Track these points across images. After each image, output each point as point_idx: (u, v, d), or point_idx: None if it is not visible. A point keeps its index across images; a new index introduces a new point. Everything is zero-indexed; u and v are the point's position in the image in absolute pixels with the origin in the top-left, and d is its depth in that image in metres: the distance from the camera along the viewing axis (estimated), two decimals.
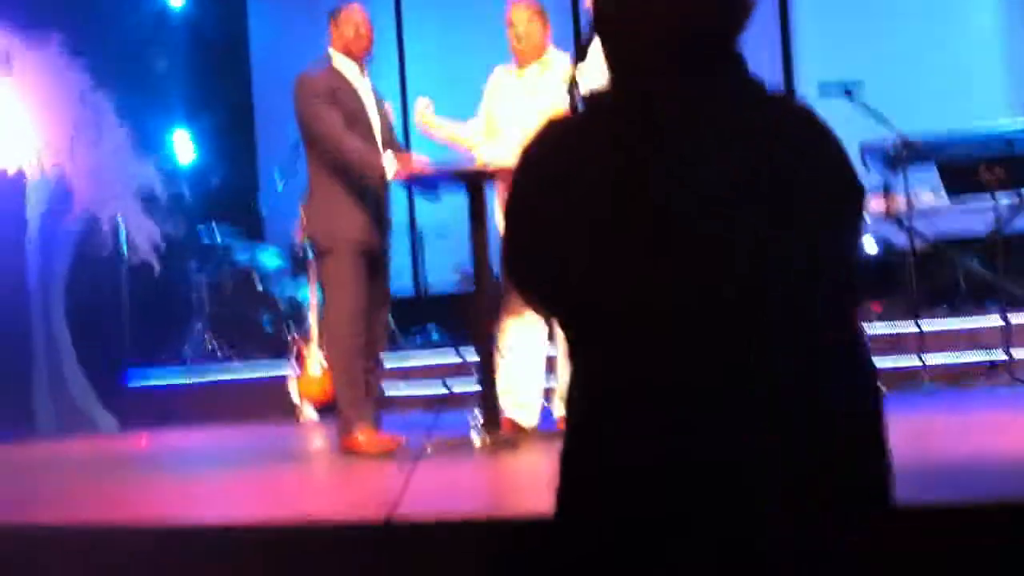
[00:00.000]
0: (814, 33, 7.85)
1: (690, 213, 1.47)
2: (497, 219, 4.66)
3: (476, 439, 4.36)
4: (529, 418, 4.70)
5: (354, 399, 4.55)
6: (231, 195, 8.75)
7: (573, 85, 1.70)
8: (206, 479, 4.63)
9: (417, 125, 4.59)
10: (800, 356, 1.47)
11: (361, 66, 4.68)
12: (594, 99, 1.61)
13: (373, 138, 4.61)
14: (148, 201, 8.57)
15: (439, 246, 7.82)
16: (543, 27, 4.68)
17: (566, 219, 1.51)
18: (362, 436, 4.49)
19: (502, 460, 4.29)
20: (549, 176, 1.55)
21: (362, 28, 4.64)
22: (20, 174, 8.18)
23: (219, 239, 8.14)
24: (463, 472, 4.13)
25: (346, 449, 4.55)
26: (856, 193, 1.56)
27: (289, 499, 3.86)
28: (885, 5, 7.51)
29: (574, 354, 1.59)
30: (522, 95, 4.66)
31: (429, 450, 4.28)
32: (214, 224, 8.24)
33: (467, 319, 5.31)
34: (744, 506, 1.45)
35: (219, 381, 7.25)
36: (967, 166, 5.32)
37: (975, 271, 6.10)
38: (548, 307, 1.69)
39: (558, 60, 4.66)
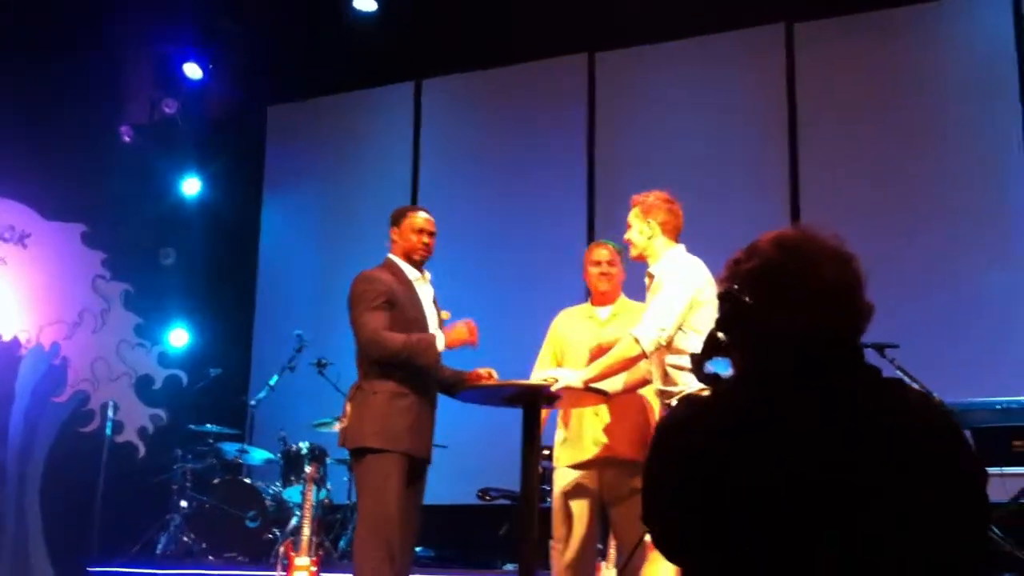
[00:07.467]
0: None
1: (820, 488, 1.59)
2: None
3: None
4: None
5: None
6: (221, 388, 8.64)
7: (699, 364, 1.89)
8: None
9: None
10: None
11: (420, 270, 4.68)
12: (725, 383, 1.81)
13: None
14: (142, 386, 8.53)
15: None
16: (621, 271, 4.75)
17: (699, 487, 1.65)
18: None
19: None
20: (686, 447, 1.70)
21: (425, 234, 4.65)
22: (15, 343, 8.08)
23: (208, 427, 7.98)
24: None
25: None
26: (981, 473, 1.67)
27: None
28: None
29: None
30: (595, 330, 4.65)
31: None
32: (203, 417, 8.12)
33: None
34: None
35: None
36: (999, 435, 5.44)
37: (995, 540, 6.15)
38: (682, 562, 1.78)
39: (629, 308, 4.68)
